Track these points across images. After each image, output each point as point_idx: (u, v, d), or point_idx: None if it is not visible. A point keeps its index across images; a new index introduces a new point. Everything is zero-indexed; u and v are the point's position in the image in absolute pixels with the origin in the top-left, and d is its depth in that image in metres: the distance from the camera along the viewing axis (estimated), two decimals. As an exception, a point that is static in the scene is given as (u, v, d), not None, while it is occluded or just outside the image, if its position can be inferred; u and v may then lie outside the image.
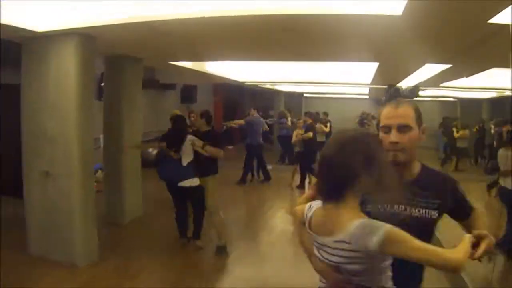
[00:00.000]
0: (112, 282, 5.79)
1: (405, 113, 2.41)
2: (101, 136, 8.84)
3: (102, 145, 8.85)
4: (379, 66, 8.85)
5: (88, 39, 6.07)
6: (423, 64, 8.18)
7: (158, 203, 8.92)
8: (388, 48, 6.42)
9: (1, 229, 7.03)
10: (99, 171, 10.61)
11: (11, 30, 5.52)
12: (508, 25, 4.35)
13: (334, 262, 2.14)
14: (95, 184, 7.61)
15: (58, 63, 6.06)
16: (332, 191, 2.15)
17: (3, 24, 5.16)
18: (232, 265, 6.62)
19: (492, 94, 16.36)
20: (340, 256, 2.10)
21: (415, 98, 13.58)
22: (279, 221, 9.26)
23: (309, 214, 2.33)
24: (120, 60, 8.23)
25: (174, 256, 6.53)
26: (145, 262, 6.51)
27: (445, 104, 22.74)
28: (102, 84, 9.05)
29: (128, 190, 8.52)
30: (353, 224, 2.03)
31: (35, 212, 6.45)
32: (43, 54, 6.13)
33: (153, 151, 13.39)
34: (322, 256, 2.22)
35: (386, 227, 1.97)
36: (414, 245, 1.97)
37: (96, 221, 6.61)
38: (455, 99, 20.93)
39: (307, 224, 2.33)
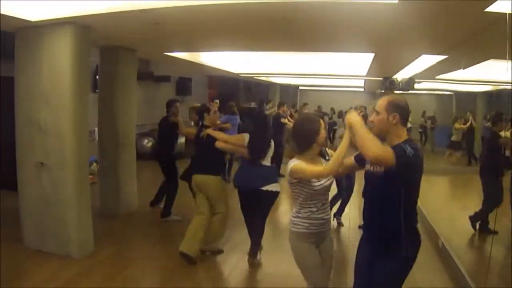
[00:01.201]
0: (107, 273, 5.79)
1: (380, 102, 3.47)
2: (96, 129, 8.81)
3: (97, 138, 8.81)
4: (374, 57, 8.81)
5: (82, 29, 6.03)
6: (419, 55, 8.15)
7: (153, 196, 8.88)
8: (384, 37, 6.39)
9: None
10: (94, 164, 10.59)
11: (4, 20, 5.47)
12: (505, 14, 4.33)
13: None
14: (90, 176, 7.59)
15: (52, 53, 6.02)
16: (302, 146, 3.90)
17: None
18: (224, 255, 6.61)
19: (488, 88, 16.33)
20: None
21: (410, 91, 13.58)
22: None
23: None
24: (115, 51, 8.18)
25: (169, 248, 6.49)
26: (140, 254, 6.50)
27: (440, 98, 22.73)
28: (97, 76, 9.01)
29: (123, 182, 8.50)
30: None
31: (30, 204, 6.43)
32: (37, 44, 6.08)
33: (147, 144, 13.43)
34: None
35: (293, 163, 3.85)
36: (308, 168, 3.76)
37: (91, 213, 6.58)
38: (451, 93, 20.92)
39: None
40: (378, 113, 3.44)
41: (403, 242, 3.37)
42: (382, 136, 3.38)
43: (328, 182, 3.92)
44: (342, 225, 8.33)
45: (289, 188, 4.00)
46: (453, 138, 15.76)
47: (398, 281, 3.48)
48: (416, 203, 3.52)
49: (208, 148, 6.26)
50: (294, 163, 3.81)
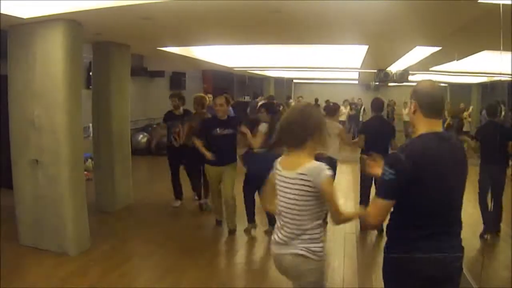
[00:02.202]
0: (103, 270, 5.78)
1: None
2: (90, 125, 8.79)
3: (91, 134, 8.79)
4: (368, 49, 8.81)
5: (74, 25, 6.00)
6: (413, 47, 8.15)
7: (148, 191, 8.88)
8: (378, 29, 6.37)
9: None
10: (89, 160, 10.57)
11: (-3, 18, 5.46)
12: (499, 4, 4.32)
13: (293, 194, 3.17)
14: (85, 172, 7.57)
15: (44, 50, 5.99)
16: (296, 142, 3.22)
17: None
18: (225, 249, 6.62)
19: (482, 79, 16.37)
20: (300, 186, 3.13)
21: (404, 83, 13.60)
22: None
23: (277, 165, 3.37)
24: (108, 47, 8.14)
25: (165, 243, 6.49)
26: (136, 250, 6.51)
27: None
28: (91, 73, 8.98)
29: (118, 178, 8.48)
30: (311, 164, 3.15)
31: (25, 201, 6.41)
32: (29, 41, 6.05)
33: (142, 139, 13.41)
34: (280, 187, 3.28)
35: (326, 172, 3.11)
36: (333, 191, 3.13)
37: (87, 210, 6.58)
38: (445, 84, 20.94)
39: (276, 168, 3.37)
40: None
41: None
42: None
43: None
44: None
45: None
46: (465, 128, 15.78)
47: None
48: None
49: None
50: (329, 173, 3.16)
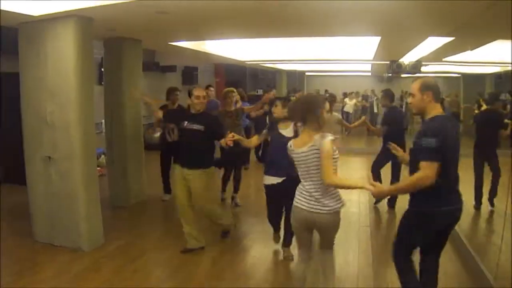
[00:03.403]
0: (117, 265, 5.79)
1: (414, 85, 4.03)
2: (103, 121, 8.81)
3: (104, 130, 8.81)
4: (381, 41, 8.75)
5: (85, 21, 5.99)
6: (426, 37, 8.08)
7: (161, 186, 8.89)
8: (390, 20, 6.33)
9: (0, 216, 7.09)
10: (102, 156, 10.60)
11: (7, 16, 5.47)
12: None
13: (311, 164, 4.05)
14: (99, 168, 7.58)
15: (55, 46, 6.00)
16: (299, 118, 4.24)
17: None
18: (237, 247, 6.60)
19: (496, 69, 16.20)
20: (312, 156, 4.02)
21: (417, 74, 13.51)
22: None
23: (290, 146, 4.24)
24: (119, 42, 8.16)
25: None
26: (149, 245, 6.51)
27: (448, 80, 22.59)
28: (103, 69, 8.99)
29: (131, 173, 8.50)
30: (317, 136, 4.03)
31: (39, 198, 6.45)
32: (40, 38, 6.06)
33: (155, 134, 13.41)
34: (299, 162, 4.15)
35: (329, 137, 3.98)
36: (327, 153, 3.93)
37: (100, 205, 6.60)
38: (459, 75, 20.77)
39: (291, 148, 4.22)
40: (413, 95, 3.98)
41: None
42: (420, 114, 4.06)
43: None
44: None
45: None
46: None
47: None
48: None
49: None
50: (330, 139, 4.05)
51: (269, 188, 5.86)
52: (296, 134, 5.23)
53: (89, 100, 6.27)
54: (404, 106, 19.98)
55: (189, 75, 17.57)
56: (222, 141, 5.72)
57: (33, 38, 6.12)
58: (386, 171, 8.25)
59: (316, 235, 4.42)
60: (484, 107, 10.49)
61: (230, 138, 5.47)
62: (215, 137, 6.02)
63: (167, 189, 8.98)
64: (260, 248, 6.50)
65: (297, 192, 4.27)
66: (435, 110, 3.91)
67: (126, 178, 8.42)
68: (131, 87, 8.26)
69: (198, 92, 6.07)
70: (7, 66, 8.55)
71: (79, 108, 6.06)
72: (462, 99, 17.43)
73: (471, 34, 7.45)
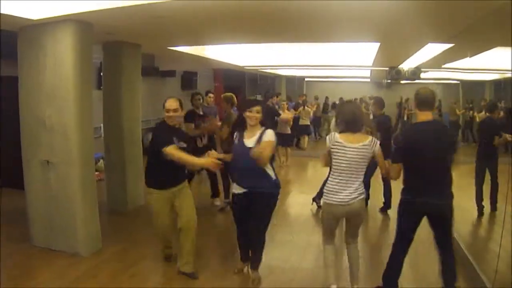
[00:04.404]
0: (115, 270, 5.79)
1: None
2: (102, 125, 8.80)
3: (102, 134, 8.80)
4: (380, 47, 8.77)
5: (84, 26, 6.01)
6: (425, 43, 8.09)
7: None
8: (389, 26, 6.33)
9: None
10: (101, 160, 10.59)
11: (7, 20, 5.47)
12: (510, 1, 4.27)
13: (358, 158, 4.68)
14: (97, 173, 7.57)
15: (54, 50, 6.00)
16: (359, 127, 4.81)
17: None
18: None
19: (495, 76, 16.22)
20: (363, 154, 4.67)
21: (416, 80, 13.52)
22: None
23: (335, 138, 4.75)
24: (118, 47, 8.15)
25: (177, 244, 6.46)
26: (147, 250, 6.48)
27: (447, 87, 22.61)
28: (102, 74, 8.99)
29: (130, 178, 8.49)
30: (368, 139, 4.72)
31: (37, 202, 6.45)
32: (39, 42, 6.07)
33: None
34: (346, 154, 4.67)
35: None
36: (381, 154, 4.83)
37: (98, 210, 6.59)
38: (458, 81, 20.79)
39: (334, 141, 4.74)
40: None
41: None
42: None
43: None
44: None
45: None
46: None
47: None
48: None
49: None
50: None
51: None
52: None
53: (88, 104, 6.28)
54: (401, 113, 20.11)
55: (189, 80, 17.55)
56: (211, 166, 5.29)
57: (33, 42, 6.12)
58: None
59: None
60: (479, 115, 10.67)
61: (214, 160, 5.11)
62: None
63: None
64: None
65: (336, 188, 4.77)
66: (420, 116, 4.67)
67: (125, 183, 8.40)
68: (130, 91, 8.27)
69: (168, 104, 5.49)
70: (7, 70, 8.53)
71: (78, 112, 6.06)
72: (461, 106, 17.44)
73: (470, 41, 7.45)
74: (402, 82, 17.01)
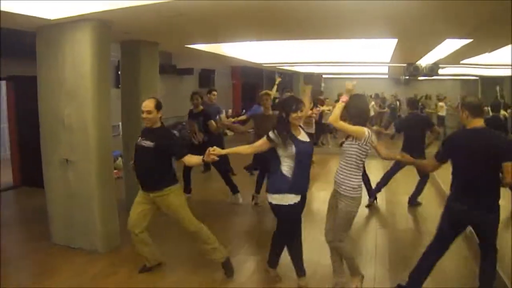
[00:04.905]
0: (134, 267, 5.81)
1: None
2: (120, 124, 8.83)
3: (121, 132, 8.84)
4: (398, 43, 8.72)
5: (102, 25, 6.05)
6: (444, 39, 8.03)
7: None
8: (407, 21, 6.29)
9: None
10: (119, 158, 10.64)
11: (25, 20, 5.52)
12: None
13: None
14: (115, 171, 7.60)
15: (73, 50, 6.05)
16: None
17: (17, 14, 5.18)
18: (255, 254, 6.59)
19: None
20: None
21: (434, 76, 13.44)
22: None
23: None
24: (136, 45, 8.16)
25: (194, 242, 6.48)
26: (166, 247, 6.49)
27: (465, 83, 22.49)
28: (120, 72, 9.03)
29: (148, 176, 8.51)
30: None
31: (57, 200, 6.52)
32: (58, 41, 6.12)
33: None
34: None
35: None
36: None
37: (117, 208, 6.64)
38: (476, 77, 20.62)
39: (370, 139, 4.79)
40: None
41: None
42: None
43: None
44: None
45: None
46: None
47: None
48: None
49: None
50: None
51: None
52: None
53: (106, 102, 6.32)
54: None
55: (206, 78, 17.56)
56: (206, 157, 4.98)
57: (51, 41, 6.17)
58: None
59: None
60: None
61: (211, 152, 4.90)
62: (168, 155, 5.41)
63: (187, 189, 9.05)
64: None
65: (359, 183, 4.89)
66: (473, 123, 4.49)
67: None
68: (147, 89, 8.29)
69: (143, 106, 5.39)
70: (22, 70, 8.60)
71: (96, 111, 6.11)
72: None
73: (489, 36, 7.38)
74: (420, 78, 16.95)
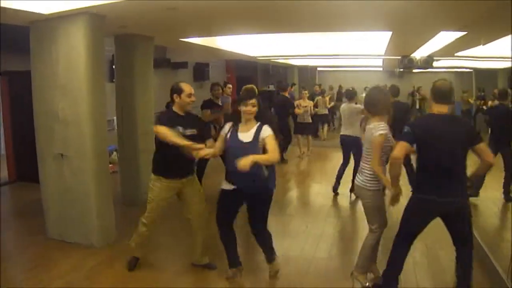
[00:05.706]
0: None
1: None
2: (115, 118, 8.82)
3: (116, 127, 8.82)
4: (392, 36, 8.72)
5: (96, 19, 6.02)
6: (438, 31, 8.04)
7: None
8: (401, 14, 6.29)
9: None
10: (114, 153, 10.63)
11: (18, 15, 5.50)
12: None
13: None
14: (111, 165, 7.59)
15: (66, 43, 6.04)
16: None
17: (10, 9, 5.16)
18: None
19: (509, 64, 16.07)
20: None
21: (429, 69, 13.46)
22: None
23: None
24: (130, 39, 8.15)
25: (191, 235, 6.49)
26: (162, 241, 6.52)
27: (460, 75, 22.48)
28: (114, 66, 9.01)
29: (143, 170, 8.46)
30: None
31: (52, 195, 6.52)
32: (52, 36, 6.11)
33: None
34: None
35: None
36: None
37: (112, 202, 6.65)
38: (470, 70, 20.63)
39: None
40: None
41: None
42: None
43: None
44: None
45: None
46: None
47: None
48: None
49: None
50: None
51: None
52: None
53: (101, 97, 6.32)
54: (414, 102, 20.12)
55: (201, 71, 17.54)
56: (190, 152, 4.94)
57: (45, 36, 6.16)
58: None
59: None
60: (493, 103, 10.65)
61: (196, 146, 4.86)
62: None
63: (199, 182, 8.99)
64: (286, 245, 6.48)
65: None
66: (435, 109, 4.43)
67: (138, 175, 8.39)
68: (142, 83, 8.28)
69: (191, 89, 5.39)
70: (16, 65, 8.58)
71: (91, 105, 6.10)
72: (474, 94, 17.34)
73: (484, 29, 7.39)
74: (415, 71, 16.95)
